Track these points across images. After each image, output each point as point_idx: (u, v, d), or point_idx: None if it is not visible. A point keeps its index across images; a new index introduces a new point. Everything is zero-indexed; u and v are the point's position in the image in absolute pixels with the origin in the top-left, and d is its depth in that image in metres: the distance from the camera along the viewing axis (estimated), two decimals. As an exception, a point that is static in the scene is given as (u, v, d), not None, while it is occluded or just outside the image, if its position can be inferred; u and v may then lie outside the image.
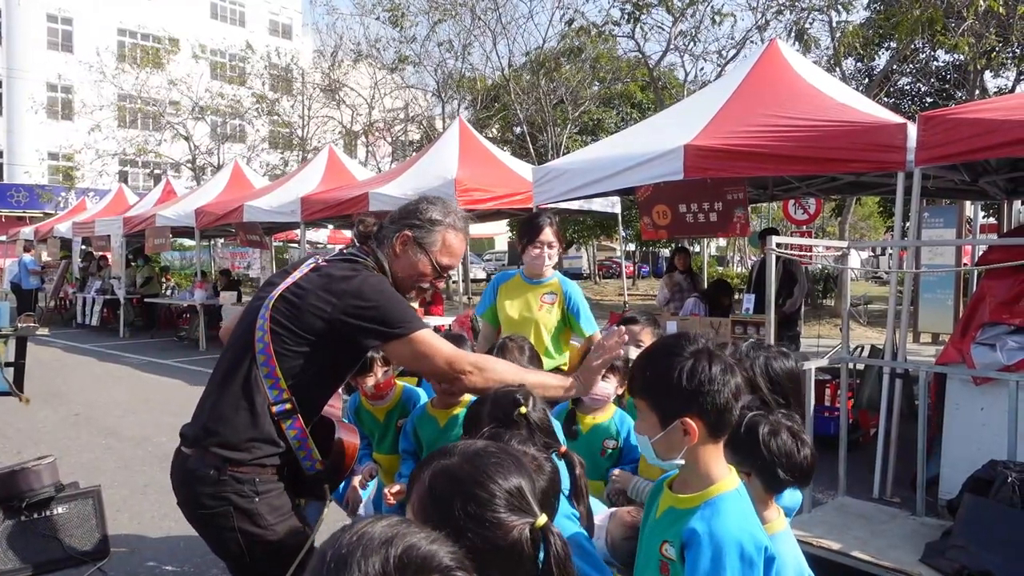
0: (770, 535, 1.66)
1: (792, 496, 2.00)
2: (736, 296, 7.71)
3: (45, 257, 17.96)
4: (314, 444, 2.02)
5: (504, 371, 2.08)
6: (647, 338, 2.89)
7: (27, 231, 19.77)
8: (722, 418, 1.46)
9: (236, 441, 1.92)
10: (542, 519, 1.18)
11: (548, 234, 3.54)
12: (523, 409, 1.77)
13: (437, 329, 7.40)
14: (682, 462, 1.48)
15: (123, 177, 26.06)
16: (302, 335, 1.96)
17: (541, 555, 1.17)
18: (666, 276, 8.13)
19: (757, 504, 1.70)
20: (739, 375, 1.48)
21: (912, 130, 4.62)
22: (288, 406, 1.95)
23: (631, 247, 29.89)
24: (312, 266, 2.09)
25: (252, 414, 1.93)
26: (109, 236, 14.88)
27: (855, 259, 24.19)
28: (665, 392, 1.47)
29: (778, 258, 6.13)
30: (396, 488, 2.64)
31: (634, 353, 2.72)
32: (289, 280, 2.04)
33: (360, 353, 2.12)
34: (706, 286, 8.14)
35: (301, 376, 1.97)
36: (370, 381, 2.83)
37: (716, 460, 1.48)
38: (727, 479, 1.46)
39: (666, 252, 31.97)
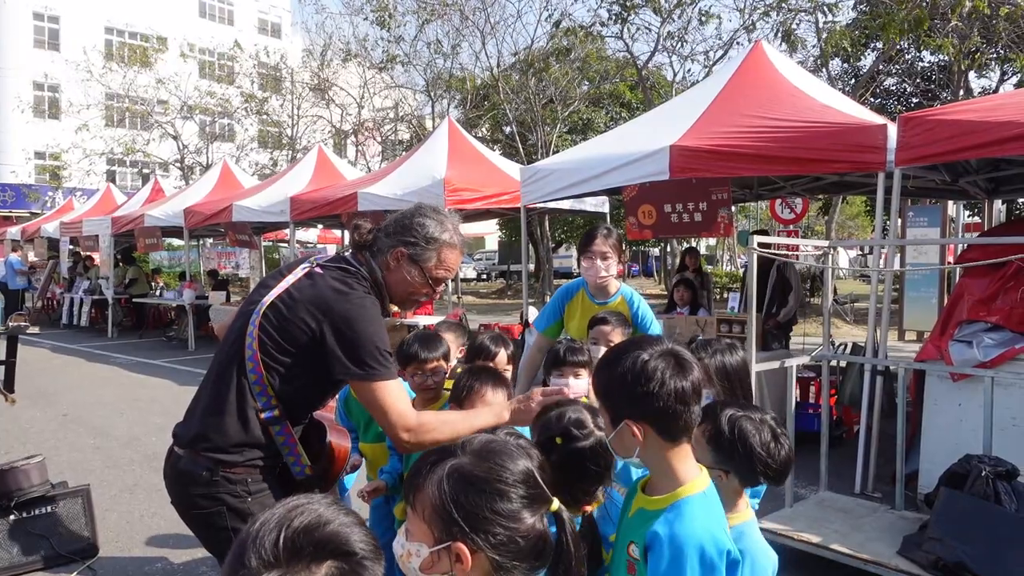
0: (737, 523, 1.70)
1: None
2: (720, 293, 7.79)
3: (32, 257, 17.86)
4: (303, 449, 2.01)
5: (439, 432, 1.97)
6: (617, 338, 2.92)
7: (14, 231, 19.64)
8: (668, 422, 1.45)
9: (226, 445, 1.93)
10: (555, 503, 1.22)
11: (600, 244, 3.36)
12: (558, 440, 1.77)
13: (426, 328, 7.42)
14: (636, 460, 1.50)
15: (111, 176, 25.92)
16: (286, 347, 1.94)
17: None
18: (678, 275, 8.12)
19: (730, 495, 1.74)
20: (690, 379, 1.45)
21: (892, 131, 4.70)
22: (276, 412, 1.95)
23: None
24: (306, 271, 2.05)
25: (241, 419, 1.94)
26: (97, 236, 14.82)
27: (844, 258, 24.43)
28: (609, 394, 1.52)
29: (772, 261, 6.18)
30: (373, 487, 2.68)
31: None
32: (282, 285, 2.01)
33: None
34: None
35: (288, 386, 1.96)
36: None
37: (681, 462, 1.48)
38: (694, 481, 1.48)
39: (656, 252, 32.06)
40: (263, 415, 1.94)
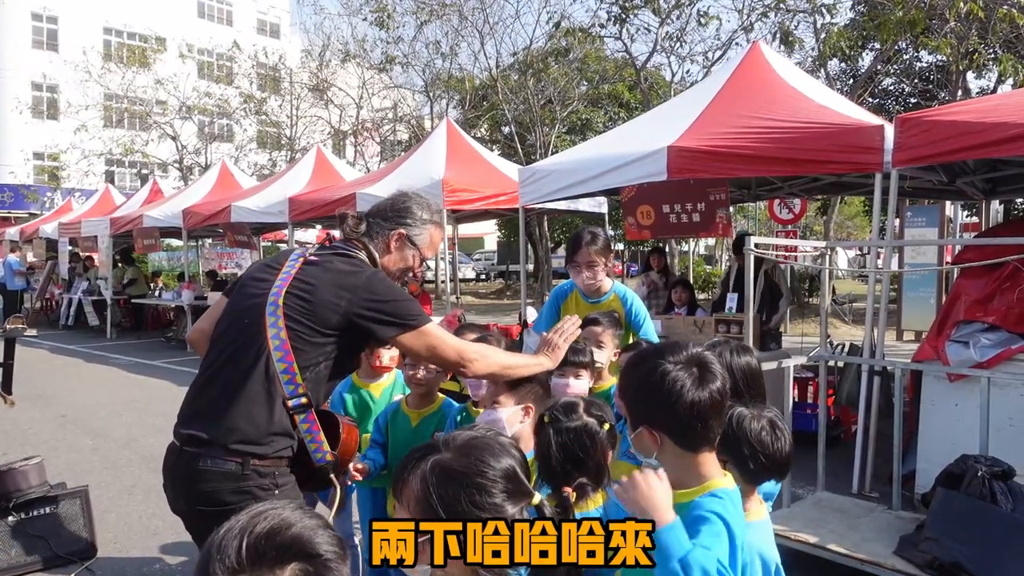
0: (747, 522, 1.71)
1: (769, 483, 2.06)
2: (705, 295, 7.84)
3: (31, 258, 17.85)
4: (325, 436, 2.08)
5: (500, 358, 2.25)
6: (608, 339, 2.95)
7: (12, 232, 19.63)
8: (685, 433, 1.45)
9: (257, 436, 1.96)
10: (537, 497, 1.24)
11: (583, 255, 3.33)
12: (545, 419, 1.85)
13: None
14: (654, 461, 1.51)
15: (110, 177, 25.90)
16: (318, 329, 2.02)
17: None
18: (642, 276, 8.25)
19: None
20: (709, 390, 1.45)
21: (889, 131, 4.71)
22: (304, 400, 2.01)
23: (620, 246, 30.01)
24: (303, 260, 2.13)
25: (270, 410, 1.98)
26: (96, 237, 14.82)
27: (842, 258, 24.44)
28: (627, 398, 1.55)
29: (761, 268, 6.21)
30: (360, 465, 2.72)
31: (597, 354, 2.80)
32: (287, 276, 2.07)
33: (366, 344, 2.23)
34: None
35: (315, 369, 2.04)
36: (385, 354, 2.95)
37: (704, 465, 1.49)
38: (720, 480, 1.49)
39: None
40: (291, 403, 1.99)
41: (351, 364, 2.27)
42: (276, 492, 1.96)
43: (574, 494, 1.74)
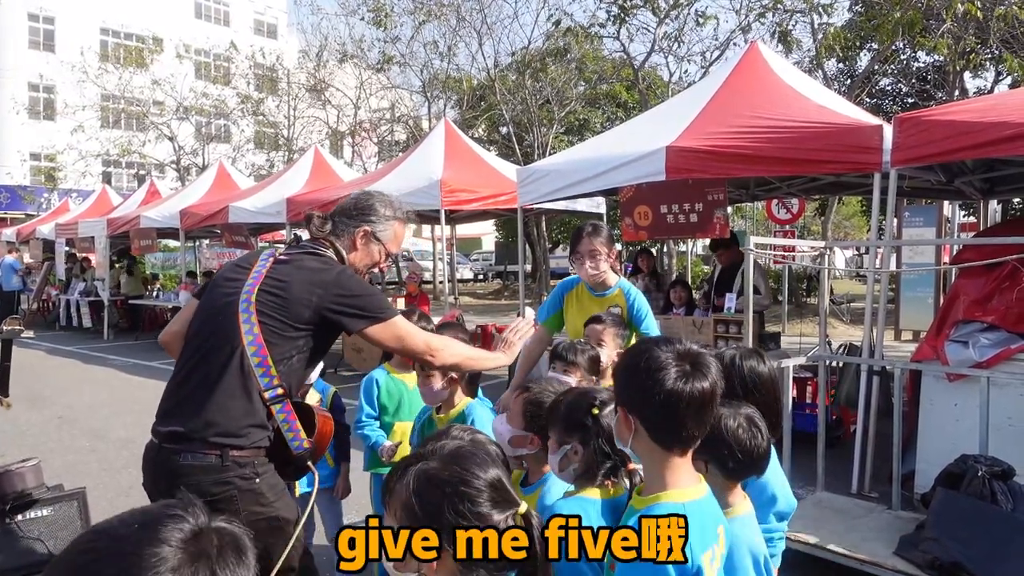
0: (730, 518, 1.69)
1: (788, 502, 2.05)
2: (696, 295, 7.86)
3: (27, 259, 17.80)
4: (301, 425, 2.14)
5: (463, 349, 2.43)
6: (609, 338, 2.99)
7: (9, 232, 19.59)
8: (657, 424, 1.42)
9: (235, 429, 2.02)
10: (524, 506, 1.24)
11: (587, 243, 3.41)
12: (595, 411, 1.81)
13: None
14: (629, 450, 1.53)
15: (107, 178, 25.86)
16: (291, 324, 2.11)
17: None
18: (631, 279, 8.24)
19: (718, 491, 1.73)
20: (691, 387, 1.40)
21: (888, 131, 4.71)
22: (280, 391, 2.08)
23: (618, 247, 29.97)
24: (274, 259, 2.21)
25: (247, 402, 2.05)
26: (93, 237, 14.79)
27: (840, 258, 24.46)
28: (615, 379, 1.57)
29: (741, 262, 6.20)
30: (388, 444, 3.01)
31: (603, 352, 2.82)
32: (258, 274, 2.15)
33: (336, 336, 2.31)
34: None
35: (288, 362, 2.11)
36: None
37: (672, 470, 1.45)
38: (684, 490, 1.45)
39: (654, 252, 32.04)
40: (267, 394, 2.07)
41: (322, 355, 2.36)
42: (257, 481, 2.03)
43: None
